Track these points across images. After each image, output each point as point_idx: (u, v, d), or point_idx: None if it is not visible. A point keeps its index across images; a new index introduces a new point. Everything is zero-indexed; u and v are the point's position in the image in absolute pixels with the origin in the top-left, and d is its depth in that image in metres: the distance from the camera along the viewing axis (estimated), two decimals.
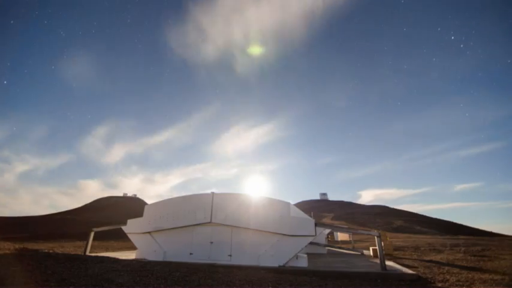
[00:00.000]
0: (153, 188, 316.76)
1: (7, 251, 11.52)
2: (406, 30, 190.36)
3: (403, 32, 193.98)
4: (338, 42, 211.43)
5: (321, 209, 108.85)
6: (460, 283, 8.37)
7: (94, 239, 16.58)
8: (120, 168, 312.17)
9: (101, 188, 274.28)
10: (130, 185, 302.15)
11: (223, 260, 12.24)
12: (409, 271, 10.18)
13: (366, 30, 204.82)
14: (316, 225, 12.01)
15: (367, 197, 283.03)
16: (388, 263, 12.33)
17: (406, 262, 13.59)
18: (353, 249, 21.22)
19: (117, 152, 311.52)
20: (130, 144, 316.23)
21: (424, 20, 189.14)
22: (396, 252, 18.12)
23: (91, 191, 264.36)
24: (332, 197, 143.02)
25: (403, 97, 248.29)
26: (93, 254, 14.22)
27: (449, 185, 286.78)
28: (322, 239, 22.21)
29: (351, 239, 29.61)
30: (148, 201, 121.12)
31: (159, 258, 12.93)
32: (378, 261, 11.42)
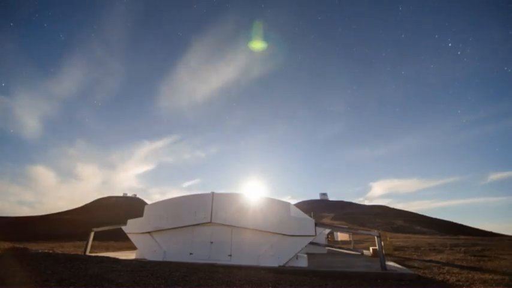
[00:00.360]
0: (118, 176, 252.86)
1: (7, 251, 11.53)
2: (404, 36, 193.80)
3: (401, 38, 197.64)
4: (337, 48, 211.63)
5: (321, 209, 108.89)
6: (460, 283, 8.37)
7: (94, 239, 16.58)
8: (60, 146, 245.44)
9: (59, 179, 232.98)
10: (90, 174, 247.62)
11: (223, 260, 12.24)
12: (409, 271, 10.18)
13: (365, 37, 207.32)
14: (316, 225, 12.00)
15: (379, 189, 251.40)
16: (388, 263, 12.33)
17: (406, 262, 13.60)
18: (353, 249, 21.22)
19: (28, 113, 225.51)
20: (34, 94, 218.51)
21: (421, 27, 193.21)
22: (396, 252, 18.13)
23: (50, 181, 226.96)
24: (332, 197, 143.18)
25: (402, 103, 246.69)
26: (93, 254, 14.22)
27: (482, 173, 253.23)
28: (322, 239, 22.20)
29: (351, 239, 29.61)
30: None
31: (159, 258, 12.93)
32: (378, 261, 11.43)
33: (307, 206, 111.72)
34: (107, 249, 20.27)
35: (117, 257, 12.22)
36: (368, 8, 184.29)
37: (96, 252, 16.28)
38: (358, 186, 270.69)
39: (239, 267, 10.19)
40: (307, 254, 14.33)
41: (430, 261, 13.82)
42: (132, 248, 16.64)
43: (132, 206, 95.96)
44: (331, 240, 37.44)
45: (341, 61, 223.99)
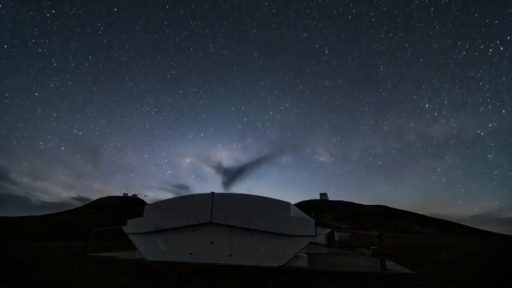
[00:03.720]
0: None
1: (8, 251, 11.53)
2: (385, 94, 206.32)
3: (382, 95, 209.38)
4: (323, 99, 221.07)
5: (321, 209, 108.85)
6: (460, 282, 8.37)
7: (94, 239, 16.57)
8: None
9: None
10: None
11: (223, 260, 12.23)
12: (409, 271, 10.18)
13: (349, 91, 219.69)
14: (316, 225, 12.00)
15: None
16: (388, 263, 12.33)
17: (406, 262, 13.59)
18: (353, 249, 21.21)
19: None
20: None
21: (400, 88, 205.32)
22: (396, 252, 18.11)
23: None
24: (332, 197, 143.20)
25: (383, 156, 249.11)
26: (93, 254, 14.22)
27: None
28: (322, 239, 22.19)
29: (349, 239, 29.57)
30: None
31: (159, 258, 12.92)
32: (378, 261, 11.42)
33: (307, 206, 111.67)
34: (107, 249, 20.25)
35: (117, 257, 12.23)
36: (352, 65, 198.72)
37: (96, 252, 16.28)
38: None
39: (239, 267, 10.19)
40: (307, 254, 14.33)
41: (430, 260, 13.81)
42: (132, 248, 16.65)
43: (132, 206, 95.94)
44: (331, 240, 37.39)
45: (326, 112, 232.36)
